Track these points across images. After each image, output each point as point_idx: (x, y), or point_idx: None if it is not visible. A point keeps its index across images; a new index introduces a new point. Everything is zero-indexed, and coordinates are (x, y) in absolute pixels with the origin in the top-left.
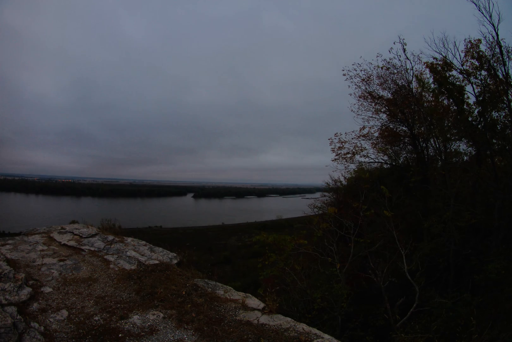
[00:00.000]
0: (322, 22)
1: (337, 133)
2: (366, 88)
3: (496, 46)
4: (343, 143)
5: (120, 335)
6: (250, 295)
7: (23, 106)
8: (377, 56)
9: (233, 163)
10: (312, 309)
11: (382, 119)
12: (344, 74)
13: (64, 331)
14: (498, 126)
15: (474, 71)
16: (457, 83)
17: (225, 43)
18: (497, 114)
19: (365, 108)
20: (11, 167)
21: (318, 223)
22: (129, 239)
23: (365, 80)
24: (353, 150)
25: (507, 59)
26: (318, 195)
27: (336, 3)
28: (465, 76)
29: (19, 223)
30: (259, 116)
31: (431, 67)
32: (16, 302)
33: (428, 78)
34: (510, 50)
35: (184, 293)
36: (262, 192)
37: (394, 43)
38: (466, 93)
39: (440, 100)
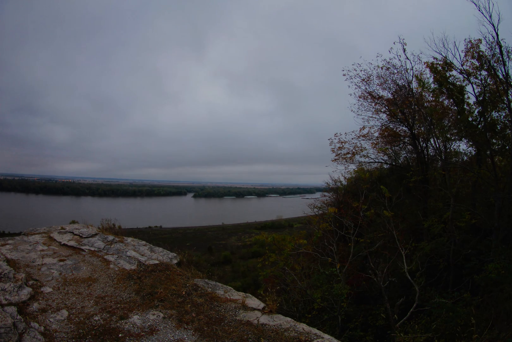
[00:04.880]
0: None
1: (336, 133)
2: (366, 88)
3: (496, 46)
4: (343, 144)
5: (120, 335)
6: (250, 295)
7: None
8: (377, 56)
9: (236, 169)
10: (312, 309)
11: (382, 119)
12: (344, 75)
13: (64, 331)
14: (498, 126)
15: (474, 71)
16: (457, 83)
17: None
18: (497, 114)
19: (365, 108)
20: (11, 167)
21: (318, 223)
22: (129, 239)
23: (365, 80)
24: (353, 150)
25: (507, 59)
26: (318, 195)
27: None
28: (465, 76)
29: (19, 223)
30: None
31: (431, 67)
32: (16, 302)
33: (428, 78)
34: (510, 50)
35: (184, 293)
36: (262, 192)
37: (394, 43)
38: (466, 93)
39: (440, 100)
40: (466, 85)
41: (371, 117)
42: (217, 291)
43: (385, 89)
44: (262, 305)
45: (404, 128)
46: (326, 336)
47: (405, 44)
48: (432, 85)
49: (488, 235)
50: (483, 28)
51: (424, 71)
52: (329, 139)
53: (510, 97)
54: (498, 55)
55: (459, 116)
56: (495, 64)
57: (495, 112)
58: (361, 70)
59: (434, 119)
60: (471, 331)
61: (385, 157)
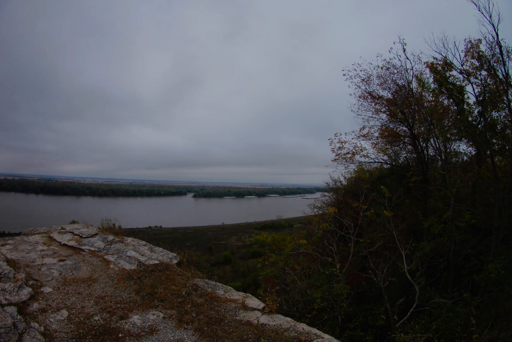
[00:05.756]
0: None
1: (337, 133)
2: (366, 88)
3: (496, 46)
4: (343, 144)
5: (120, 335)
6: (250, 295)
7: None
8: (377, 56)
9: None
10: (312, 309)
11: (382, 119)
12: (344, 74)
13: (64, 331)
14: (498, 126)
15: (474, 71)
16: (457, 83)
17: None
18: (497, 114)
19: (365, 108)
20: (11, 167)
21: (318, 223)
22: (129, 239)
23: (365, 80)
24: (353, 150)
25: (507, 59)
26: (318, 195)
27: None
28: (465, 76)
29: (19, 223)
30: None
31: (431, 67)
32: (16, 302)
33: (428, 78)
34: (510, 50)
35: (184, 293)
36: (262, 192)
37: (394, 43)
38: (466, 93)
39: (440, 100)
40: (466, 85)
41: (371, 117)
42: (217, 291)
43: (385, 89)
44: (262, 305)
45: (404, 128)
46: (326, 336)
47: (405, 44)
48: (432, 85)
49: (488, 235)
50: (483, 28)
51: (424, 71)
52: (329, 139)
53: (510, 97)
54: (498, 55)
55: (459, 116)
56: (495, 64)
57: (495, 112)
58: (361, 70)
59: (434, 119)
60: (471, 331)
61: (385, 157)
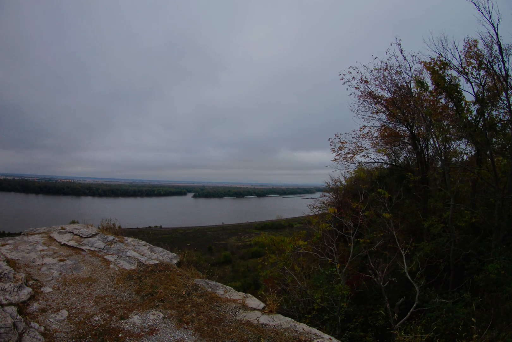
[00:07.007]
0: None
1: (337, 133)
2: (365, 89)
3: (496, 45)
4: (343, 144)
5: (120, 335)
6: (250, 295)
7: None
8: (376, 58)
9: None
10: (312, 309)
11: (382, 119)
12: (341, 79)
13: (64, 331)
14: (497, 124)
15: (473, 70)
16: (456, 82)
17: None
18: (496, 113)
19: (365, 108)
20: (11, 167)
21: (318, 223)
22: (129, 239)
23: (364, 81)
24: (353, 150)
25: (506, 58)
26: (318, 195)
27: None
28: (464, 76)
29: (19, 223)
30: None
31: (430, 67)
32: (16, 302)
33: (427, 78)
34: (509, 49)
35: (184, 293)
36: (262, 192)
37: (391, 44)
38: (465, 93)
39: (439, 99)
40: (465, 84)
41: (371, 117)
42: (217, 291)
43: (384, 89)
44: (262, 305)
45: (403, 128)
46: (326, 336)
47: (401, 45)
48: (431, 85)
49: (488, 235)
50: (483, 28)
51: (422, 71)
52: (329, 140)
53: (509, 95)
54: (498, 55)
55: (458, 116)
56: (494, 64)
57: (494, 111)
58: (357, 72)
59: (433, 119)
60: (471, 331)
61: (385, 157)
